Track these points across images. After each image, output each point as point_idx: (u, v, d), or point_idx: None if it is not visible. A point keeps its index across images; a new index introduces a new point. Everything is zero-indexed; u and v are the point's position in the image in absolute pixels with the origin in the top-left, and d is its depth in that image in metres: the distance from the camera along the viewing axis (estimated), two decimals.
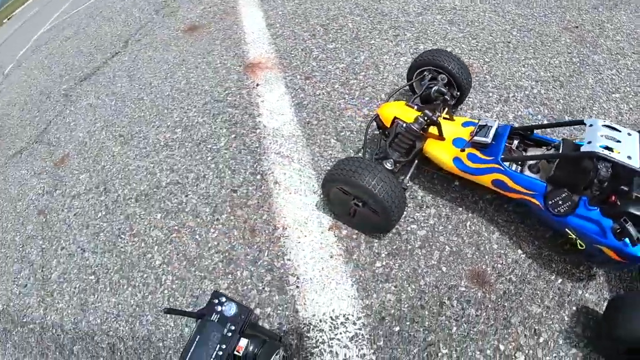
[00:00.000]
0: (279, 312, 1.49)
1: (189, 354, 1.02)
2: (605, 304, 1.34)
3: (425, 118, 1.51)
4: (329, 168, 1.85)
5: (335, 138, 2.00)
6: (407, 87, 1.95)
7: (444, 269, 1.55)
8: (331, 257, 1.61)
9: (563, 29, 2.64)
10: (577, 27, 2.66)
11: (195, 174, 1.99)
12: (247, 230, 1.73)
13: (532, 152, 1.54)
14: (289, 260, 1.63)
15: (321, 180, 1.80)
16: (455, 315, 1.44)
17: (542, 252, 1.59)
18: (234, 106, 2.28)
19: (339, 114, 2.11)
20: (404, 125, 1.58)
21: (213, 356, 1.02)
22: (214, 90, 2.41)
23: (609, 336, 1.24)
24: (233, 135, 2.13)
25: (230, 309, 1.09)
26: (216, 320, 1.06)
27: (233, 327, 1.05)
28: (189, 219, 1.82)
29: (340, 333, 1.41)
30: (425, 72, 1.83)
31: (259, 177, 1.92)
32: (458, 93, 1.81)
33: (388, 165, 1.54)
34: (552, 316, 1.45)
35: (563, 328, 1.43)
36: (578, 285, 1.52)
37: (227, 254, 1.68)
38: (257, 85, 2.36)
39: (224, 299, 1.11)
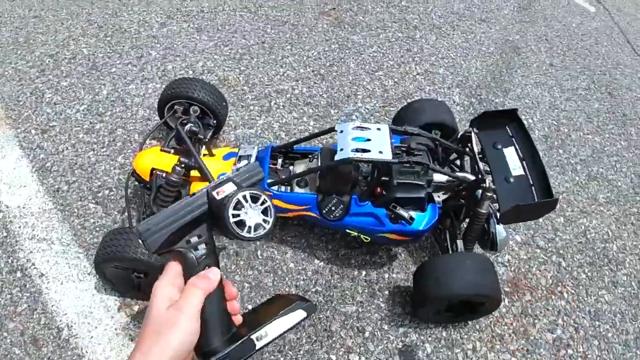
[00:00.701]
0: None
1: None
2: (413, 274, 1.65)
3: (182, 165, 1.62)
4: (96, 241, 1.84)
5: (94, 202, 1.96)
6: (162, 125, 2.02)
7: (249, 306, 1.72)
8: (132, 340, 1.63)
9: (319, 14, 2.99)
10: (334, 8, 3.04)
11: None
12: (29, 344, 1.62)
13: (299, 165, 1.80)
14: None
15: (91, 257, 1.78)
16: (277, 347, 1.62)
17: (339, 253, 1.88)
18: None
19: (91, 170, 2.06)
20: (164, 176, 1.66)
21: None
22: None
23: (426, 303, 1.56)
24: None
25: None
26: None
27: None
28: None
29: None
30: (176, 106, 1.93)
31: (19, 274, 1.78)
32: (215, 121, 1.97)
33: None
34: (369, 308, 1.74)
35: (383, 315, 1.72)
36: (382, 270, 1.84)
37: None
38: None
39: None
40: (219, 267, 0.70)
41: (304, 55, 2.65)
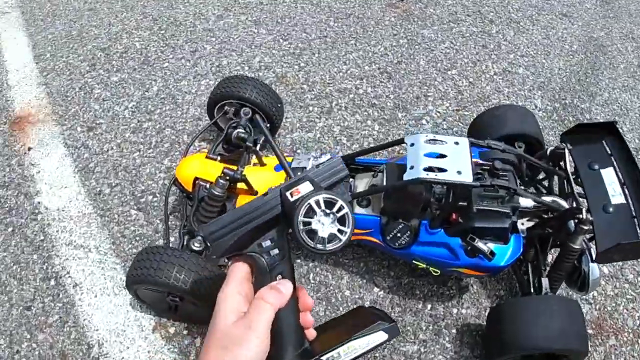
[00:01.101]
0: None
1: None
2: (487, 314, 1.41)
3: (227, 178, 1.42)
4: (134, 251, 1.71)
5: (135, 207, 1.82)
6: (212, 126, 1.84)
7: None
8: None
9: (386, 7, 2.75)
10: (402, 0, 2.80)
11: None
12: (57, 359, 1.53)
13: (361, 179, 1.55)
14: None
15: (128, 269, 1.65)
16: None
17: (402, 282, 1.64)
18: (3, 186, 1.97)
19: (136, 173, 1.93)
20: (207, 187, 1.48)
21: None
22: None
23: (502, 353, 1.32)
24: (10, 229, 1.83)
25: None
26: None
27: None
28: None
29: None
30: (226, 107, 1.75)
31: (52, 282, 1.69)
32: (268, 124, 1.76)
33: (196, 245, 1.43)
34: (432, 348, 1.50)
35: (449, 357, 1.49)
36: (451, 304, 1.59)
37: None
38: (29, 149, 2.06)
39: None
40: (293, 276, 0.64)
41: (370, 51, 2.42)
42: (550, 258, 1.53)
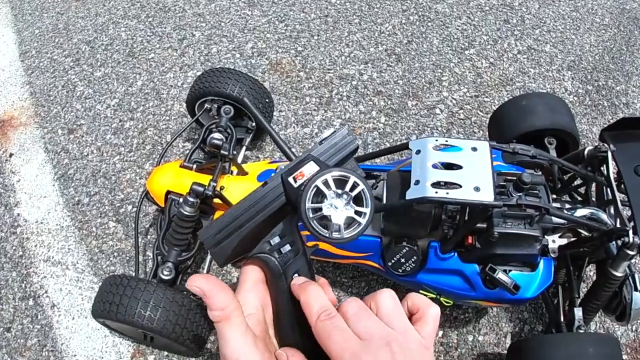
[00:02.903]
0: None
1: None
2: (507, 350, 1.22)
3: (195, 195, 1.18)
4: (112, 268, 1.55)
5: (114, 219, 1.65)
6: (196, 124, 1.61)
7: None
8: None
9: None
10: None
11: None
12: None
13: None
14: None
15: None
16: None
17: None
18: None
19: (115, 179, 1.75)
20: (180, 201, 1.25)
21: None
22: None
23: None
24: None
25: None
26: None
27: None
28: None
29: None
30: (206, 104, 1.51)
31: (31, 302, 1.55)
32: (254, 124, 1.51)
33: (165, 274, 1.21)
34: None
35: None
36: (466, 330, 1.39)
37: None
38: (11, 155, 1.89)
39: None
40: (312, 271, 0.52)
41: (376, 31, 2.14)
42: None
